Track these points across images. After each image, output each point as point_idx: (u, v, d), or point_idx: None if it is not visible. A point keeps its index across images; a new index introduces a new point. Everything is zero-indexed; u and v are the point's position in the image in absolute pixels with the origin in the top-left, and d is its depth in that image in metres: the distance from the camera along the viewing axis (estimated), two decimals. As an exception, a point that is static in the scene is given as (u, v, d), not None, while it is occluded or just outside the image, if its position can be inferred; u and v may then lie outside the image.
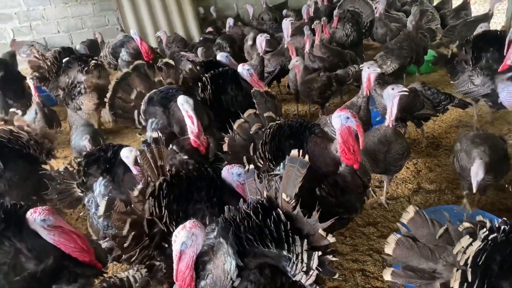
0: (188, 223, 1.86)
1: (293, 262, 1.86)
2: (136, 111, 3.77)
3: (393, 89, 3.20)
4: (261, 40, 5.36)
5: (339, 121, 2.49)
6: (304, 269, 1.85)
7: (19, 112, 4.07)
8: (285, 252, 1.87)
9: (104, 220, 2.56)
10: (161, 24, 9.17)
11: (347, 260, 3.12)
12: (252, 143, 2.90)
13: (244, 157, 2.87)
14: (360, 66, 4.22)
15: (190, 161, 2.96)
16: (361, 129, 2.50)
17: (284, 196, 1.94)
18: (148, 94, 3.73)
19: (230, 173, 2.53)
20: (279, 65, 5.84)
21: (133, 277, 2.13)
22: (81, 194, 3.09)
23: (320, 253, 1.85)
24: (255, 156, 2.83)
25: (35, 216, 2.18)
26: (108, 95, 3.81)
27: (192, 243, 1.85)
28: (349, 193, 2.63)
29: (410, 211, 1.99)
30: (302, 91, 4.99)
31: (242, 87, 3.92)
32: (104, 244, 2.78)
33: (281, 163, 2.74)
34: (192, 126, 3.20)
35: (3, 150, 3.30)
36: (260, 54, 5.26)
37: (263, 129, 2.94)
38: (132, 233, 2.32)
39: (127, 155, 2.85)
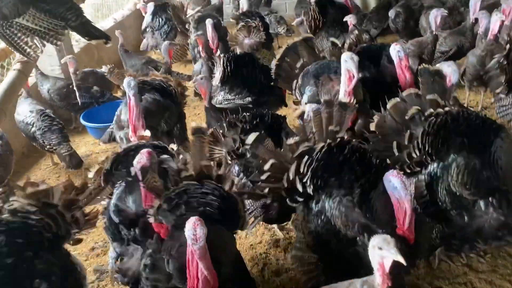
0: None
1: None
2: (295, 81, 3.85)
3: None
4: (436, 15, 4.76)
5: None
6: None
7: None
8: None
9: (250, 150, 2.61)
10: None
11: (480, 279, 2.79)
12: (408, 130, 2.53)
13: (394, 142, 2.55)
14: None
15: None
16: None
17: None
18: (305, 68, 3.77)
19: None
20: (456, 46, 5.18)
21: None
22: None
23: None
24: (411, 145, 2.50)
25: None
26: (277, 56, 4.03)
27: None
28: None
29: None
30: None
31: (380, 67, 3.61)
32: None
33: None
34: (347, 85, 3.04)
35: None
36: (434, 32, 4.77)
37: (425, 114, 2.52)
38: (268, 173, 2.43)
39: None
